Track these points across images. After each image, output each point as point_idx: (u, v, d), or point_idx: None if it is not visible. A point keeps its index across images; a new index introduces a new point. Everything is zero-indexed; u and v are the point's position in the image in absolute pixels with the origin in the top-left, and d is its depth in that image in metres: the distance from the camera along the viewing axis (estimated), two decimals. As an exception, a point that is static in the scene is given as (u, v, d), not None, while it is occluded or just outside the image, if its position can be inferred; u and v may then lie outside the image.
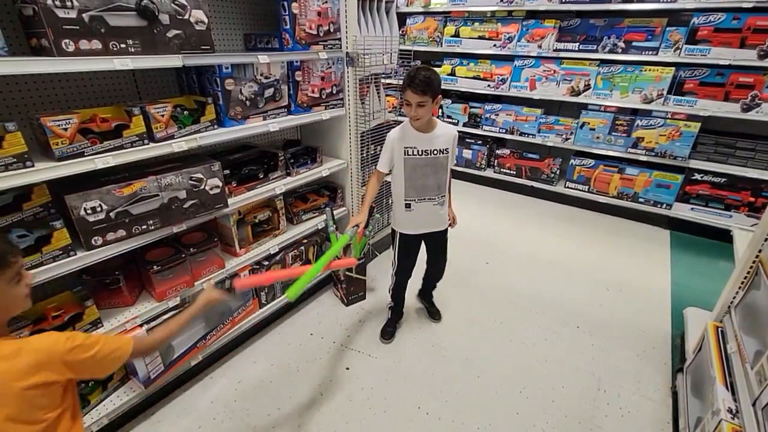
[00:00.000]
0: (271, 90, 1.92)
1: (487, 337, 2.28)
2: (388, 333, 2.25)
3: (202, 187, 1.67)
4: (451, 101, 4.42)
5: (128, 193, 1.45)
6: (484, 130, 4.27)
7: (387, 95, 2.92)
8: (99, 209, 1.39)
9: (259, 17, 2.20)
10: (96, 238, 1.42)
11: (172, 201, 1.58)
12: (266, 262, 2.16)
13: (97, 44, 1.29)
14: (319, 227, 2.45)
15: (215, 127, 1.72)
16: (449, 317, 2.44)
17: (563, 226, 3.63)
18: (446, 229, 2.09)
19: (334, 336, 2.28)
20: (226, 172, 1.90)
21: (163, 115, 1.51)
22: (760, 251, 1.58)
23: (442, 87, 4.38)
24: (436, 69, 4.39)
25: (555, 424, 1.79)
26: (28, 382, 0.86)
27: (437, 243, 2.13)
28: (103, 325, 1.56)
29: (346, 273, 2.42)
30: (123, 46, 1.35)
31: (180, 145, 1.58)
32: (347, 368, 2.06)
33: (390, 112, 2.84)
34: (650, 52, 3.24)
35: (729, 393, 1.36)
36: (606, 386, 1.98)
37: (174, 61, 1.47)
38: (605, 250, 3.23)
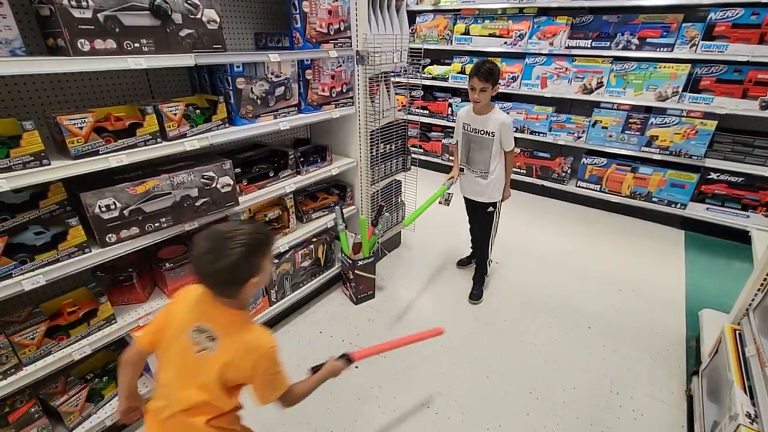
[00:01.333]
0: (282, 89, 1.92)
1: (497, 337, 2.27)
2: (463, 261, 2.93)
3: (214, 185, 1.68)
4: (461, 99, 4.39)
5: (141, 191, 1.46)
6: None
7: (396, 94, 2.91)
8: (113, 207, 1.41)
9: (269, 16, 2.21)
10: (110, 235, 1.44)
11: (185, 199, 1.59)
12: (276, 260, 2.16)
13: (111, 44, 1.30)
14: (329, 226, 2.46)
15: (227, 125, 1.73)
16: (458, 316, 2.43)
17: (574, 225, 3.59)
18: (487, 206, 2.39)
19: (344, 334, 2.28)
20: (237, 170, 1.91)
21: (175, 114, 1.52)
22: (780, 252, 1.54)
23: (452, 85, 4.37)
24: (446, 66, 4.38)
25: (566, 426, 1.77)
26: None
27: (477, 213, 2.50)
28: (116, 321, 1.58)
29: (356, 271, 2.42)
30: (137, 45, 1.36)
31: (192, 143, 1.59)
32: (356, 366, 2.06)
33: (399, 110, 2.83)
34: (665, 49, 3.18)
35: (747, 397, 1.33)
36: (618, 388, 1.95)
37: (187, 60, 1.48)
38: (617, 250, 3.19)
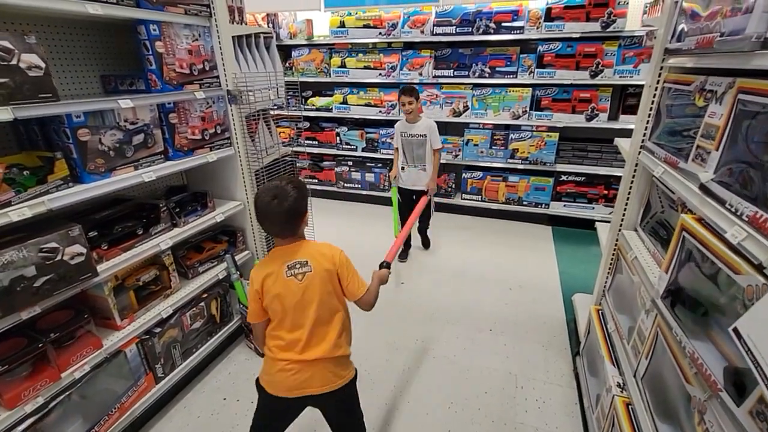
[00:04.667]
0: (141, 136, 1.72)
1: (412, 359, 2.30)
2: (403, 254, 3.42)
3: (59, 257, 1.39)
4: (347, 128, 4.51)
5: (-54, 283, 1.13)
6: (383, 153, 4.43)
7: (280, 127, 2.85)
8: None
9: (118, 57, 1.97)
10: None
11: (17, 282, 1.28)
12: (158, 329, 1.87)
13: None
14: (221, 277, 2.24)
15: (70, 184, 1.46)
16: (372, 346, 2.40)
17: (464, 235, 3.90)
18: (426, 192, 3.08)
19: (252, 395, 2.03)
20: (93, 233, 1.63)
21: (-9, 180, 1.23)
22: (617, 240, 1.87)
23: (337, 115, 4.48)
24: (328, 98, 4.47)
25: (484, 431, 1.84)
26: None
27: (420, 197, 2.96)
28: None
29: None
30: None
31: (21, 212, 1.30)
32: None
33: (287, 144, 2.76)
34: (511, 76, 3.73)
35: (615, 368, 1.55)
36: (522, 382, 2.12)
37: (1, 114, 1.21)
38: (503, 252, 3.55)
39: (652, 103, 1.60)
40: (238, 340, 2.44)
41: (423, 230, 3.51)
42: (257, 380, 1.37)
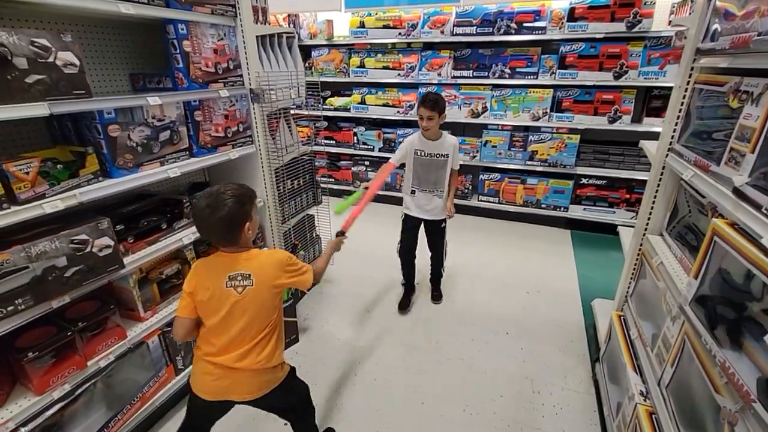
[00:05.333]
0: (168, 133, 1.76)
1: (427, 360, 2.29)
2: (404, 305, 2.72)
3: (89, 249, 1.44)
4: (364, 128, 4.52)
5: (-16, 271, 1.18)
6: (400, 153, 4.41)
7: (299, 126, 2.88)
8: (-59, 296, 1.11)
9: (147, 56, 2.02)
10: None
11: (48, 272, 1.33)
12: (179, 322, 1.91)
13: (-75, 96, 1.05)
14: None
15: (100, 179, 1.51)
16: (386, 346, 2.40)
17: (480, 237, 3.86)
18: (443, 221, 2.59)
19: (268, 390, 2.08)
20: (121, 227, 1.67)
21: (27, 173, 1.28)
22: (641, 245, 1.82)
23: (354, 115, 4.50)
24: (346, 98, 4.50)
25: (500, 436, 1.82)
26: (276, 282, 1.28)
27: (434, 229, 2.62)
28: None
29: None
30: (-36, 96, 1.12)
31: (54, 204, 1.34)
32: (285, 423, 1.89)
33: (305, 143, 2.79)
34: (531, 77, 3.68)
35: (638, 376, 1.51)
36: (539, 387, 2.09)
37: (38, 110, 1.26)
38: (520, 255, 3.50)
39: (682, 104, 1.56)
40: (254, 336, 2.47)
41: (437, 275, 2.84)
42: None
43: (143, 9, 1.57)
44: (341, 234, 1.72)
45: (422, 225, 2.61)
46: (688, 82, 1.54)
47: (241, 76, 2.09)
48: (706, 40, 1.40)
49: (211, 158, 1.98)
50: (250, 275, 1.24)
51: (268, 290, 1.26)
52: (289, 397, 1.45)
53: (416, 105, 2.32)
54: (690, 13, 1.71)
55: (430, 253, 2.74)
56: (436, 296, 2.84)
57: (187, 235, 1.90)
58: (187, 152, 1.88)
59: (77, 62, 1.35)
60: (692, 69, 1.52)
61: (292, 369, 1.48)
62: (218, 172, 2.42)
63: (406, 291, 2.82)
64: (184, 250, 1.94)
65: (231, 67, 2.02)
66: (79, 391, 1.50)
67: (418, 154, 2.44)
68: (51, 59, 1.29)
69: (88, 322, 1.53)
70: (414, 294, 2.85)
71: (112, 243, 1.51)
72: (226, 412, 1.41)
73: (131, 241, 1.70)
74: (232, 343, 1.26)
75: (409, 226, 2.62)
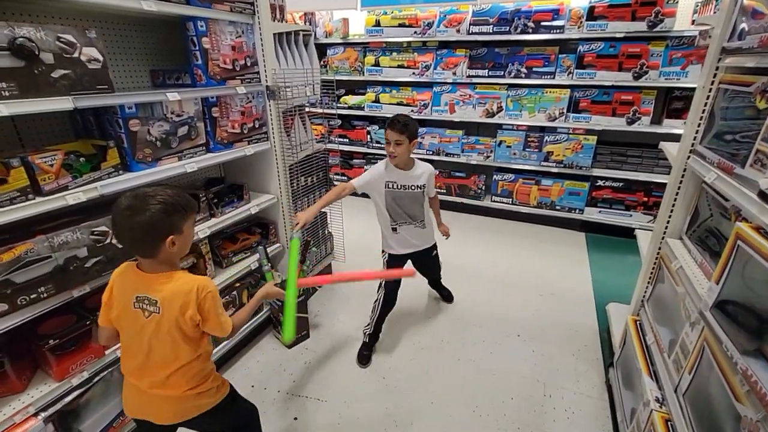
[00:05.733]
0: (186, 128, 1.79)
1: (436, 360, 2.28)
2: (365, 357, 2.25)
3: (108, 241, 1.47)
4: (378, 127, 4.53)
5: (9, 259, 1.22)
6: (413, 154, 4.40)
7: (314, 124, 2.89)
8: (-31, 282, 1.15)
9: (166, 52, 2.06)
10: (-33, 317, 1.16)
11: (70, 261, 1.36)
12: (194, 315, 1.95)
13: (-43, 89, 1.09)
14: (253, 267, 2.30)
15: (120, 172, 1.55)
16: (396, 344, 2.40)
17: (493, 238, 3.83)
18: (433, 246, 2.37)
19: (279, 384, 2.11)
20: (138, 220, 1.71)
21: (51, 165, 1.31)
22: (660, 248, 1.78)
23: (368, 114, 4.49)
24: (360, 96, 4.51)
25: (509, 438, 1.81)
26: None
27: (426, 258, 2.36)
28: (-18, 423, 1.27)
29: (286, 313, 2.27)
30: (-6, 89, 1.16)
31: (76, 196, 1.38)
32: (295, 418, 1.91)
33: (319, 141, 2.81)
34: (548, 77, 3.63)
35: (654, 382, 1.48)
36: (550, 390, 2.06)
37: (63, 103, 1.30)
38: (532, 256, 3.46)
39: (705, 105, 1.52)
40: (266, 331, 2.50)
41: (438, 282, 2.74)
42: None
43: (165, 6, 1.60)
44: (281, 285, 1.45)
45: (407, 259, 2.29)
46: (712, 82, 1.50)
47: (257, 73, 2.11)
48: (732, 39, 1.36)
49: (227, 154, 2.01)
50: (157, 302, 1.09)
51: (174, 323, 1.09)
52: (222, 422, 1.31)
53: (385, 127, 2.00)
54: (715, 12, 1.66)
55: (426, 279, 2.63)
56: (447, 296, 2.78)
57: (203, 229, 1.93)
58: (204, 148, 1.91)
59: (101, 58, 1.39)
60: (717, 69, 1.48)
61: (231, 394, 1.31)
62: (234, 167, 2.45)
63: (370, 341, 2.30)
64: (200, 244, 1.98)
65: (248, 64, 2.04)
66: (97, 378, 1.54)
67: (390, 186, 2.08)
68: (76, 55, 1.32)
69: (107, 311, 1.57)
70: (375, 347, 2.36)
71: (130, 235, 1.54)
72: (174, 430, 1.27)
73: (149, 233, 1.73)
74: (144, 368, 1.13)
75: (396, 266, 2.25)
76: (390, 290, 2.23)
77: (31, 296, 1.29)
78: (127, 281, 1.13)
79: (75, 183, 1.39)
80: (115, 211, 1.04)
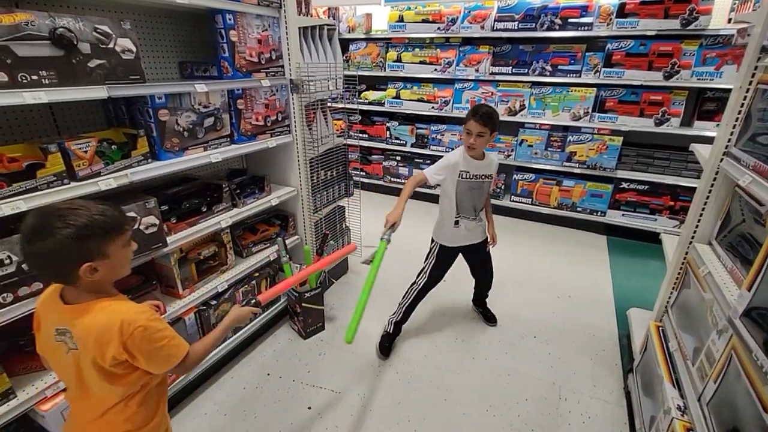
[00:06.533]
0: (212, 119, 1.83)
1: (451, 357, 2.27)
2: (386, 349, 2.28)
3: (136, 226, 1.52)
4: (398, 123, 4.52)
5: (45, 240, 1.27)
6: (432, 150, 4.39)
7: (334, 119, 2.91)
8: (8, 261, 1.21)
9: (195, 45, 2.11)
10: (5, 295, 1.22)
11: (101, 245, 1.41)
12: (214, 302, 2.00)
13: (2, 76, 1.14)
14: (272, 258, 2.34)
15: (149, 160, 1.59)
16: (411, 340, 2.40)
17: (512, 238, 3.78)
18: (485, 241, 2.29)
19: (294, 373, 2.14)
20: (165, 207, 1.76)
21: (86, 151, 1.37)
22: (687, 252, 1.73)
23: (388, 110, 4.49)
24: (381, 92, 4.50)
25: (523, 439, 1.79)
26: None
27: (478, 253, 2.31)
28: (16, 395, 1.34)
29: (303, 304, 2.31)
30: (35, 78, 1.21)
31: (108, 182, 1.43)
32: (309, 407, 1.94)
33: (339, 136, 2.82)
34: (574, 75, 3.55)
35: (676, 390, 1.44)
36: (566, 394, 2.03)
37: (98, 92, 1.34)
38: (552, 258, 3.40)
39: (742, 105, 1.46)
40: (282, 321, 2.54)
41: (484, 298, 2.57)
42: None
43: (195, -1, 1.63)
44: (255, 304, 1.31)
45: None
46: (750, 83, 1.44)
47: (282, 66, 2.14)
48: (774, 37, 1.30)
49: (250, 146, 2.05)
50: (72, 336, 0.92)
51: (91, 363, 0.91)
52: None
53: (466, 116, 1.93)
54: (755, 9, 1.59)
55: (475, 282, 2.52)
56: (490, 318, 2.55)
57: (225, 219, 1.98)
58: (229, 139, 1.95)
59: (134, 49, 1.43)
60: (756, 68, 1.42)
61: None
62: (256, 159, 2.49)
63: (394, 332, 2.32)
64: (221, 233, 2.02)
65: (273, 58, 2.07)
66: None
67: (463, 176, 2.02)
68: (111, 45, 1.37)
69: (133, 295, 1.63)
70: (397, 338, 2.38)
71: (157, 222, 1.59)
72: None
73: (174, 221, 1.78)
74: (79, 403, 1.01)
75: (446, 258, 2.22)
76: (434, 278, 2.24)
77: (64, 277, 1.34)
78: (50, 309, 0.96)
79: (107, 170, 1.45)
80: (20, 231, 0.86)
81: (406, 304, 2.28)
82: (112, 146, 1.48)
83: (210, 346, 1.13)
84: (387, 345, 2.28)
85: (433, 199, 4.56)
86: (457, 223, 2.12)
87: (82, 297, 0.93)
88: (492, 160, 2.08)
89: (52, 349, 0.97)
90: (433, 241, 2.26)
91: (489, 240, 2.32)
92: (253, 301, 1.32)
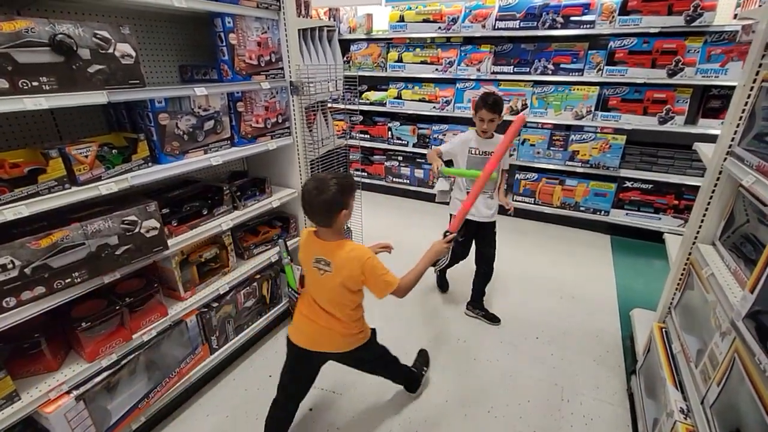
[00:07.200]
0: (212, 122, 1.83)
1: (453, 358, 2.27)
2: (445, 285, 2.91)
3: (137, 230, 1.53)
4: (399, 123, 4.51)
5: (47, 245, 1.29)
6: (434, 149, 4.37)
7: (335, 120, 2.91)
8: (11, 266, 1.22)
9: (195, 48, 2.12)
10: (8, 299, 1.23)
11: (102, 249, 1.43)
12: (215, 304, 2.01)
13: (3, 83, 1.15)
14: (273, 260, 2.34)
15: (149, 164, 1.60)
16: (413, 340, 2.40)
17: (514, 238, 3.76)
18: (494, 223, 2.46)
19: (295, 375, 2.14)
20: (166, 210, 1.77)
21: (86, 156, 1.38)
22: (690, 253, 1.71)
23: (390, 110, 4.49)
24: (382, 92, 4.50)
25: (525, 441, 1.78)
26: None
27: (486, 231, 2.47)
28: (20, 398, 1.35)
29: (304, 306, 2.31)
30: (35, 84, 1.22)
31: (109, 186, 1.44)
32: (310, 409, 1.94)
33: (340, 136, 2.82)
34: (576, 73, 3.52)
35: (679, 393, 1.43)
36: (568, 395, 2.02)
37: (97, 97, 1.35)
38: (554, 258, 3.38)
39: (746, 104, 1.44)
40: (285, 322, 2.55)
41: (481, 295, 2.61)
42: (287, 335, 1.60)
43: (194, 3, 1.64)
44: (451, 235, 1.59)
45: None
46: (754, 80, 1.42)
47: (282, 68, 2.14)
48: (778, 35, 1.28)
49: (251, 148, 2.05)
50: (330, 263, 1.41)
51: (341, 282, 1.40)
52: (367, 354, 1.67)
53: (476, 106, 2.22)
54: (760, 5, 1.57)
55: (476, 269, 2.58)
56: (491, 317, 2.56)
57: (226, 221, 1.98)
58: (229, 141, 1.95)
59: (133, 53, 1.44)
60: (760, 66, 1.40)
61: (373, 335, 1.67)
62: (256, 161, 2.50)
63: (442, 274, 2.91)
64: (223, 235, 2.03)
65: (273, 60, 2.07)
66: (125, 361, 1.61)
67: (473, 152, 2.32)
68: (111, 50, 1.37)
69: (135, 298, 1.64)
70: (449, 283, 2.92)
71: (158, 225, 1.59)
72: (317, 367, 1.65)
73: (175, 224, 1.79)
74: (319, 310, 1.49)
75: (464, 230, 2.41)
76: (456, 255, 2.52)
77: (66, 280, 1.35)
78: (309, 245, 1.47)
79: (108, 174, 1.45)
80: (305, 192, 1.36)
81: (442, 269, 2.74)
82: (113, 150, 1.48)
83: (414, 279, 1.51)
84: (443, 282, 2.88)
85: (428, 198, 4.56)
86: (439, 177, 2.40)
87: (331, 237, 1.42)
88: (499, 139, 2.22)
89: (309, 272, 1.47)
90: (451, 216, 2.40)
91: (505, 204, 2.46)
92: (448, 233, 1.65)
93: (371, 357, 1.72)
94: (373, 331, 1.67)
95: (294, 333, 1.57)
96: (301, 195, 1.38)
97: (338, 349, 1.55)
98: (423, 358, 2.11)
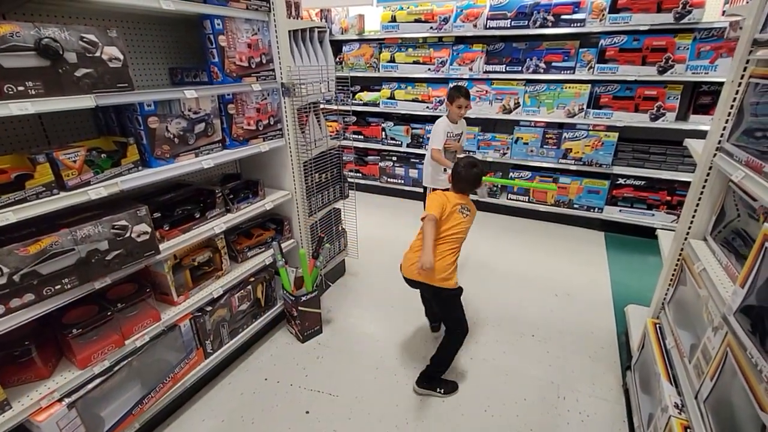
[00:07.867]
0: (202, 125, 1.82)
1: (449, 358, 2.26)
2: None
3: (128, 234, 1.51)
4: (393, 123, 4.51)
5: (35, 251, 1.27)
6: (427, 149, 4.36)
7: (328, 121, 2.90)
8: (-2, 273, 1.20)
9: (185, 51, 2.10)
10: (-4, 307, 1.22)
11: (92, 254, 1.41)
12: (209, 308, 1.99)
13: (-14, 88, 1.14)
14: (267, 263, 2.33)
15: (139, 168, 1.59)
16: (409, 340, 2.40)
17: (509, 236, 3.77)
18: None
19: (291, 378, 2.14)
20: (157, 214, 1.76)
21: (75, 161, 1.36)
22: (682, 249, 1.72)
23: (383, 110, 4.48)
24: (375, 93, 4.50)
25: (522, 439, 1.78)
26: None
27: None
28: (11, 407, 1.33)
29: (300, 308, 2.30)
30: (21, 89, 1.20)
31: (98, 191, 1.42)
32: (307, 412, 1.93)
33: (333, 137, 2.82)
34: (568, 72, 3.54)
35: (673, 388, 1.43)
36: (565, 392, 2.03)
37: (85, 101, 1.34)
38: (549, 256, 3.39)
39: (734, 100, 1.45)
40: (279, 325, 2.54)
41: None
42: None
43: (183, 5, 1.62)
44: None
45: None
46: (742, 76, 1.43)
47: (273, 70, 2.13)
48: (765, 31, 1.30)
49: (243, 150, 2.04)
50: (469, 210, 1.97)
51: (471, 219, 1.98)
52: (449, 309, 1.99)
53: (453, 96, 2.73)
54: (747, 2, 1.59)
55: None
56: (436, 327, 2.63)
57: (219, 224, 1.97)
58: (221, 144, 1.94)
59: (121, 57, 1.42)
60: (747, 62, 1.41)
61: (460, 289, 1.99)
62: (249, 163, 2.49)
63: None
64: (216, 238, 2.01)
65: (264, 62, 2.06)
66: (118, 367, 1.59)
67: (449, 135, 2.85)
68: (98, 54, 1.36)
69: (127, 303, 1.62)
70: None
71: (149, 229, 1.58)
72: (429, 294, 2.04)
73: (167, 228, 1.78)
74: (438, 248, 1.87)
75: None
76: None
77: (56, 287, 1.34)
78: (454, 199, 1.95)
79: (97, 178, 1.44)
80: (470, 168, 1.95)
81: None
82: (102, 155, 1.47)
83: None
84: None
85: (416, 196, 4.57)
86: (445, 170, 2.86)
87: (465, 197, 2.01)
88: (462, 122, 2.92)
89: (452, 215, 1.91)
90: (425, 189, 3.03)
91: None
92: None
93: (448, 305, 2.00)
94: (460, 288, 1.98)
95: (405, 268, 2.01)
96: (457, 173, 1.96)
97: (434, 282, 1.88)
98: (450, 386, 2.04)
